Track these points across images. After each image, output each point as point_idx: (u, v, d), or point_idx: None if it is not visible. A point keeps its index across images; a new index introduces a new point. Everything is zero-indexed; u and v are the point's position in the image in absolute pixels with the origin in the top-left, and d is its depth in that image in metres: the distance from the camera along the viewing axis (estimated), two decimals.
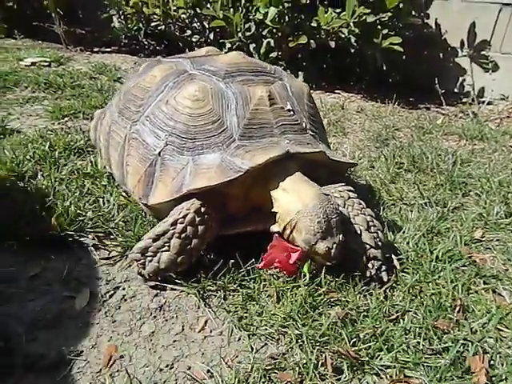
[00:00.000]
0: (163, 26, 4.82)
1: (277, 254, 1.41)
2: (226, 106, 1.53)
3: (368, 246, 1.44)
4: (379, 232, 1.50)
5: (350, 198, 1.52)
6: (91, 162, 2.09)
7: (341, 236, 1.35)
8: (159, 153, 1.53)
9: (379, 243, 1.47)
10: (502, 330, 1.33)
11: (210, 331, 1.29)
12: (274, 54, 4.08)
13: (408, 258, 1.61)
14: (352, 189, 1.57)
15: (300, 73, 4.11)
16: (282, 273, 1.45)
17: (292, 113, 1.63)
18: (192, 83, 1.57)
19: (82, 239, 1.59)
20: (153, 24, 4.85)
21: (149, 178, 1.54)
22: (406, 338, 1.25)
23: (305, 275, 1.42)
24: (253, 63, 1.71)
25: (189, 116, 1.53)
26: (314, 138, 1.65)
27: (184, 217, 1.40)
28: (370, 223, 1.49)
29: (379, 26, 3.69)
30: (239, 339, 1.27)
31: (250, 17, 4.03)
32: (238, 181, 1.42)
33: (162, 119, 1.57)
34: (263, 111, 1.55)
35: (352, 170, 2.35)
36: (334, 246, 1.33)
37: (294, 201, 1.40)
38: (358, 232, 1.45)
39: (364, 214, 1.49)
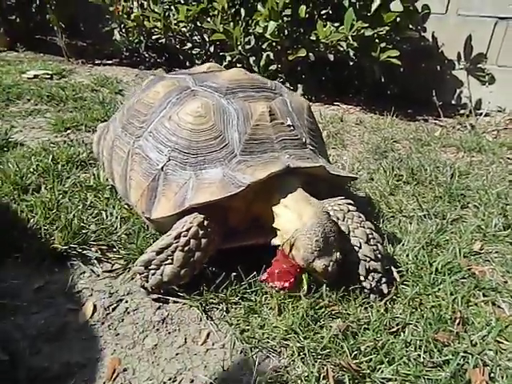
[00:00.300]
0: (164, 39, 4.89)
1: (280, 267, 1.43)
2: (227, 122, 1.57)
3: (368, 259, 1.46)
4: (379, 244, 1.51)
5: (349, 211, 1.54)
6: (94, 174, 2.11)
7: (338, 254, 1.37)
8: (162, 168, 1.56)
9: (379, 256, 1.49)
10: (502, 343, 1.34)
11: (213, 344, 1.30)
12: (273, 67, 4.13)
13: (408, 270, 1.63)
14: (351, 202, 1.59)
15: (299, 85, 4.17)
16: (283, 286, 1.45)
17: (292, 128, 1.66)
18: (194, 99, 1.61)
19: (85, 252, 1.60)
20: (154, 37, 4.92)
21: (152, 193, 1.57)
22: (407, 351, 1.26)
23: (302, 287, 1.43)
24: (253, 79, 1.75)
25: (191, 132, 1.56)
26: (314, 153, 1.68)
27: (187, 230, 1.42)
28: (370, 236, 1.50)
29: (377, 40, 3.75)
30: (241, 352, 1.28)
31: (250, 30, 4.10)
32: (240, 195, 1.44)
33: (164, 135, 1.60)
34: (264, 127, 1.58)
35: (352, 182, 2.38)
36: (331, 263, 1.35)
37: (294, 219, 1.42)
38: (358, 245, 1.47)
39: (364, 227, 1.51)
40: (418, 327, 1.36)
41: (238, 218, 1.55)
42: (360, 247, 1.47)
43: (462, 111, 4.13)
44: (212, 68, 1.89)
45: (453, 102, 4.32)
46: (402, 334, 1.33)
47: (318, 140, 1.79)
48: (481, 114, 3.90)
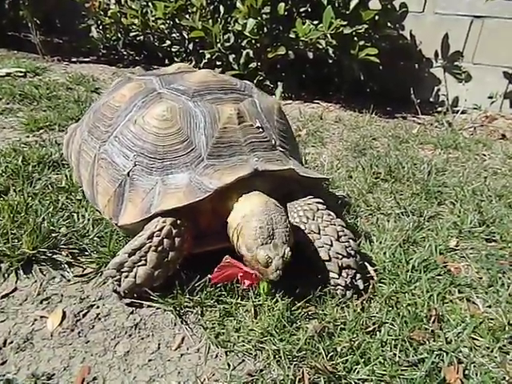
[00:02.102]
0: (142, 37, 4.82)
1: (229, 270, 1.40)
2: (194, 126, 1.53)
3: (340, 256, 1.45)
4: (351, 241, 1.51)
5: (318, 209, 1.54)
6: (66, 176, 2.05)
7: (287, 250, 1.33)
8: (128, 173, 1.53)
9: (351, 252, 1.48)
10: (476, 339, 1.35)
11: (187, 349, 1.27)
12: (253, 65, 4.11)
13: (385, 268, 1.63)
14: (321, 201, 1.58)
15: (279, 83, 4.15)
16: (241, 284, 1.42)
17: (261, 130, 1.63)
18: (160, 103, 1.57)
19: (55, 256, 1.54)
20: (132, 34, 4.84)
21: (118, 199, 1.53)
22: (383, 351, 1.26)
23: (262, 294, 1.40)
24: (222, 81, 1.72)
25: (157, 136, 1.52)
26: (284, 155, 1.66)
27: (160, 229, 1.39)
28: (341, 233, 1.50)
29: (356, 38, 3.77)
30: (216, 356, 1.25)
31: (229, 28, 4.06)
32: (207, 198, 1.42)
33: (130, 139, 1.56)
34: (232, 129, 1.56)
35: (330, 180, 2.37)
36: (277, 257, 1.31)
37: (243, 207, 1.42)
38: (329, 243, 1.46)
39: (334, 225, 1.50)
40: (394, 326, 1.35)
41: (207, 220, 1.52)
42: (331, 245, 1.46)
43: (439, 108, 4.18)
44: (182, 69, 1.85)
45: (431, 100, 4.37)
46: (378, 333, 1.32)
47: (288, 141, 1.77)
48: (458, 111, 3.96)
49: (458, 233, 1.95)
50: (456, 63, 4.19)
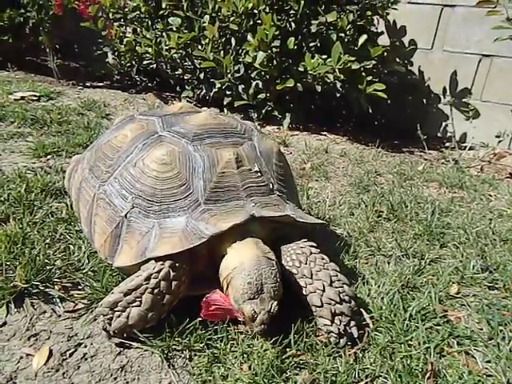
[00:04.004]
0: (155, 64, 4.94)
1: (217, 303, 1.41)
2: (193, 170, 1.55)
3: (333, 302, 1.42)
4: (345, 286, 1.48)
5: (311, 253, 1.52)
6: (67, 205, 2.07)
7: (274, 304, 1.33)
8: (126, 215, 1.54)
9: (345, 297, 1.45)
10: None
11: None
12: (262, 96, 4.17)
13: (382, 315, 1.58)
14: (314, 244, 1.57)
15: (287, 114, 4.20)
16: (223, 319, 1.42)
17: (259, 174, 1.64)
18: (160, 146, 1.59)
19: (47, 290, 1.54)
20: (145, 62, 4.97)
21: (115, 239, 1.54)
22: None
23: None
24: (222, 124, 1.74)
25: (156, 179, 1.54)
26: (282, 199, 1.66)
27: (158, 271, 1.38)
28: (334, 278, 1.47)
29: (364, 73, 3.81)
30: None
31: (240, 59, 4.15)
32: (204, 243, 1.42)
33: (129, 181, 1.58)
34: (230, 174, 1.57)
35: (331, 217, 2.36)
36: (262, 312, 1.31)
37: (234, 258, 1.42)
38: (322, 288, 1.43)
39: (327, 269, 1.48)
40: (388, 380, 1.31)
41: (203, 264, 1.52)
42: (323, 290, 1.43)
43: (447, 144, 4.18)
44: (184, 108, 1.88)
45: (438, 135, 4.38)
46: None
47: (286, 184, 1.77)
48: (465, 147, 3.94)
49: (459, 278, 1.90)
50: (464, 100, 4.21)
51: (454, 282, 1.88)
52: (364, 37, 3.79)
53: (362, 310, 1.57)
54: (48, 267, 1.59)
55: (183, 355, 1.35)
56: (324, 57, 3.82)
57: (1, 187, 2.14)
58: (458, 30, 4.08)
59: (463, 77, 4.17)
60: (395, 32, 4.31)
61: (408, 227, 2.34)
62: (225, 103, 4.34)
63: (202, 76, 4.59)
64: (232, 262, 1.41)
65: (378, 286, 1.75)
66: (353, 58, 3.66)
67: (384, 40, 4.20)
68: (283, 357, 1.34)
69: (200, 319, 1.39)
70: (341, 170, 3.23)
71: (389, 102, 4.10)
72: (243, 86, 4.24)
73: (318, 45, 4.01)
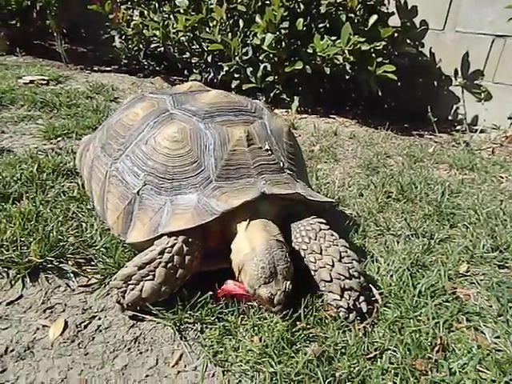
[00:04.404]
0: (163, 48, 4.91)
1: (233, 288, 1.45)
2: (204, 147, 1.55)
3: (342, 277, 1.43)
4: (354, 262, 1.49)
5: (321, 229, 1.53)
6: (78, 185, 2.09)
7: (288, 284, 1.37)
8: (138, 192, 1.55)
9: (354, 273, 1.46)
10: (482, 371, 1.30)
11: (185, 366, 1.27)
12: (270, 78, 4.14)
13: (391, 292, 1.59)
14: (324, 221, 1.58)
15: (296, 97, 4.17)
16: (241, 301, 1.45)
17: (270, 152, 1.65)
18: (172, 124, 1.60)
19: (61, 265, 1.57)
20: (153, 45, 4.95)
21: (127, 216, 1.56)
22: (383, 379, 1.23)
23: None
24: (233, 102, 1.74)
25: (167, 156, 1.55)
26: (292, 177, 1.67)
27: (172, 246, 1.40)
28: (343, 253, 1.48)
29: (374, 54, 3.75)
30: (213, 375, 1.24)
31: (248, 41, 4.12)
32: (215, 220, 1.43)
33: (141, 159, 1.59)
34: (241, 152, 1.58)
35: (341, 198, 2.36)
36: (278, 292, 1.35)
37: (245, 243, 1.43)
38: (331, 263, 1.45)
39: (337, 245, 1.49)
40: (397, 353, 1.32)
41: (215, 240, 1.53)
42: (333, 265, 1.44)
43: (457, 127, 4.13)
44: (193, 88, 1.87)
45: (449, 118, 4.32)
46: (379, 360, 1.29)
47: (296, 163, 1.78)
48: (476, 130, 3.89)
49: (469, 257, 1.90)
50: (476, 82, 4.14)
51: (463, 261, 1.87)
52: (374, 17, 3.73)
53: (371, 286, 1.59)
54: (61, 243, 1.62)
55: (195, 328, 1.38)
56: (333, 38, 3.77)
57: (13, 167, 2.17)
58: (470, 10, 3.99)
59: (475, 58, 4.09)
60: (406, 12, 4.23)
61: (417, 208, 2.33)
62: (233, 86, 4.31)
63: (209, 59, 4.56)
64: (243, 247, 1.43)
65: (387, 264, 1.76)
66: (362, 39, 3.61)
67: (395, 21, 4.13)
68: (293, 330, 1.36)
69: (211, 293, 1.42)
70: (350, 152, 3.21)
71: (399, 84, 4.06)
72: (251, 69, 4.20)
73: (328, 26, 3.96)
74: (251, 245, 1.41)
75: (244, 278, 1.40)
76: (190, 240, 1.42)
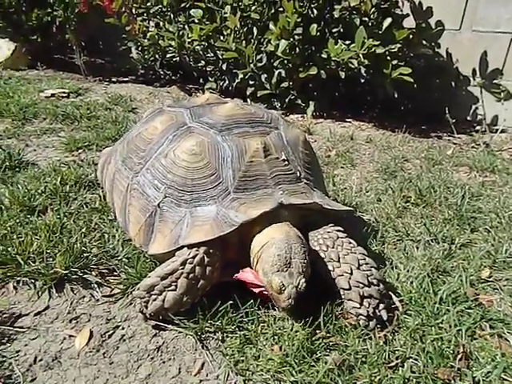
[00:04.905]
0: (178, 57, 4.99)
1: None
2: (222, 160, 1.58)
3: (361, 285, 1.43)
4: (373, 269, 1.49)
5: (338, 237, 1.54)
6: (100, 196, 2.15)
7: (302, 280, 1.34)
8: (158, 204, 1.59)
9: (373, 280, 1.46)
10: (507, 380, 1.28)
11: (206, 375, 1.29)
12: (285, 84, 4.16)
13: (411, 299, 1.58)
14: (341, 229, 1.58)
15: (311, 102, 4.18)
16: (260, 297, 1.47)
17: (287, 162, 1.67)
18: (190, 137, 1.63)
19: (85, 276, 1.62)
20: (168, 55, 5.02)
21: (148, 228, 1.60)
22: None
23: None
24: (249, 114, 1.76)
25: (186, 169, 1.59)
26: (309, 186, 1.68)
27: (193, 257, 1.43)
28: (362, 261, 1.48)
29: (389, 57, 3.73)
30: None
31: (262, 48, 4.15)
32: (234, 231, 1.45)
33: (161, 172, 1.63)
34: (258, 163, 1.60)
35: (358, 203, 2.35)
36: (290, 286, 1.33)
37: (265, 236, 1.46)
38: (349, 271, 1.45)
39: (355, 253, 1.49)
40: (418, 362, 1.31)
41: (235, 251, 1.55)
42: (351, 273, 1.45)
43: (477, 128, 4.05)
44: (210, 100, 1.91)
45: (467, 119, 4.24)
46: (400, 369, 1.29)
47: (313, 172, 1.79)
48: (496, 130, 3.81)
49: (491, 263, 1.87)
50: (495, 81, 4.06)
51: (485, 266, 1.85)
52: (388, 20, 3.70)
53: (390, 293, 1.58)
54: (85, 254, 1.67)
55: (216, 337, 1.40)
56: (347, 42, 3.76)
57: (38, 180, 2.25)
58: (487, 9, 3.93)
59: (494, 57, 4.02)
60: (421, 13, 4.19)
61: (437, 212, 2.30)
62: (248, 93, 4.35)
63: (224, 67, 4.61)
64: (263, 239, 1.45)
65: (407, 271, 1.75)
66: (377, 42, 3.59)
67: (409, 22, 4.09)
68: (313, 338, 1.37)
69: (231, 302, 1.43)
70: (367, 156, 3.20)
71: (415, 85, 4.00)
72: (266, 76, 4.23)
73: (341, 30, 3.95)
74: (271, 235, 1.43)
75: (260, 265, 1.41)
76: (210, 251, 1.44)
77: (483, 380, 1.27)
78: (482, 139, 3.59)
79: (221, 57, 4.48)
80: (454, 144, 3.61)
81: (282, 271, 1.35)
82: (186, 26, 4.59)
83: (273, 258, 1.36)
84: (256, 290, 1.46)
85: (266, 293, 1.43)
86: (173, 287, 1.41)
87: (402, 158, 3.12)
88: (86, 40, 5.82)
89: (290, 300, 1.33)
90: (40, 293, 1.54)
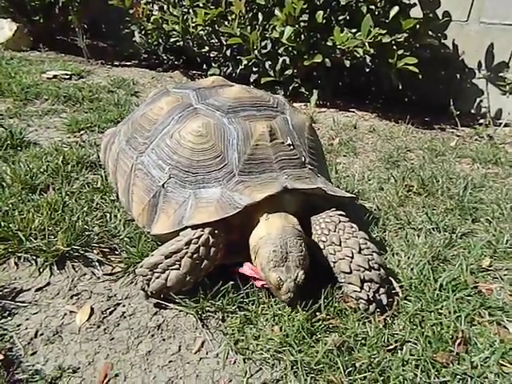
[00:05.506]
0: (182, 42, 4.93)
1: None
2: (227, 142, 1.57)
3: (362, 269, 1.44)
4: (374, 254, 1.49)
5: (340, 221, 1.53)
6: (102, 176, 2.14)
7: (300, 273, 1.36)
8: (163, 185, 1.58)
9: (374, 265, 1.46)
10: (505, 365, 1.29)
11: (206, 353, 1.30)
12: (289, 72, 4.12)
13: (411, 285, 1.59)
14: (343, 213, 1.58)
15: (315, 91, 4.15)
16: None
17: (292, 147, 1.66)
18: (196, 118, 1.62)
19: (87, 254, 1.62)
20: (172, 40, 4.96)
21: (152, 208, 1.59)
22: (403, 370, 1.23)
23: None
24: (256, 97, 1.75)
25: (192, 151, 1.58)
26: (313, 172, 1.68)
27: (198, 237, 1.43)
28: (363, 245, 1.48)
29: (395, 47, 3.70)
30: (234, 362, 1.27)
31: (267, 35, 4.10)
32: (237, 214, 1.45)
33: (166, 152, 1.62)
34: (263, 147, 1.59)
35: (360, 191, 2.35)
36: (288, 280, 1.34)
37: (263, 229, 1.45)
38: (350, 255, 1.45)
39: (356, 237, 1.50)
40: (417, 345, 1.32)
41: (238, 233, 1.54)
42: (352, 257, 1.45)
43: (480, 120, 4.03)
44: (216, 82, 1.89)
45: (472, 111, 4.22)
46: (399, 351, 1.30)
47: (317, 158, 1.78)
48: (500, 123, 3.80)
49: (492, 252, 1.87)
50: (501, 74, 4.03)
51: (486, 256, 1.85)
52: (396, 9, 3.66)
53: (391, 278, 1.59)
54: (87, 233, 1.67)
55: (216, 316, 1.41)
56: (353, 30, 3.71)
57: (40, 159, 2.24)
58: (496, 0, 3.88)
59: (500, 49, 3.98)
60: (428, 3, 4.13)
61: (439, 202, 2.30)
62: (251, 80, 4.31)
63: (228, 53, 4.57)
64: (260, 232, 1.45)
65: (408, 258, 1.75)
66: (383, 31, 3.55)
67: (416, 12, 4.04)
68: (313, 320, 1.38)
69: (232, 282, 1.44)
70: (369, 145, 3.19)
71: (420, 76, 3.98)
72: (270, 63, 4.19)
73: (348, 18, 3.91)
74: (268, 230, 1.43)
75: (258, 261, 1.42)
76: (215, 232, 1.44)
77: (481, 365, 1.28)
78: (486, 132, 3.57)
79: (225, 42, 4.43)
80: (458, 136, 3.59)
81: (278, 266, 1.36)
82: (190, 10, 4.53)
83: (268, 255, 1.37)
84: (258, 284, 1.47)
85: (267, 286, 1.44)
86: (176, 266, 1.41)
87: (404, 148, 3.11)
88: (89, 23, 5.76)
89: (289, 294, 1.35)
90: (41, 269, 1.54)
